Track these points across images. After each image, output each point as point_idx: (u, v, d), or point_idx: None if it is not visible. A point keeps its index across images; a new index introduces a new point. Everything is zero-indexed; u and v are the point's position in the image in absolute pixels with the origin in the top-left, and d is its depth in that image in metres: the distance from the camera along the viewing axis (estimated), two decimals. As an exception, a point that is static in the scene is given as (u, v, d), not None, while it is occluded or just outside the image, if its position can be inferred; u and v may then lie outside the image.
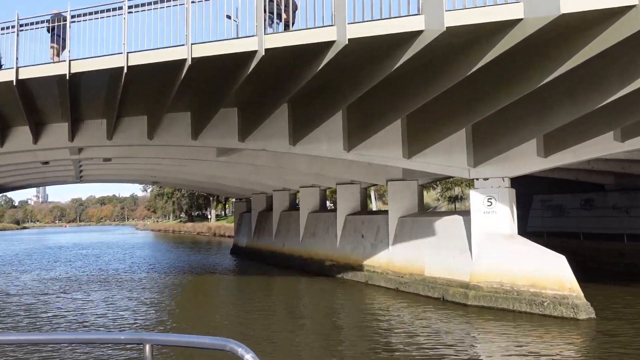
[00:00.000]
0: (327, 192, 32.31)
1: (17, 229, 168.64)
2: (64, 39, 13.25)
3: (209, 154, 21.07)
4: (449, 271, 15.86)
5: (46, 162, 26.96)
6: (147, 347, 2.53)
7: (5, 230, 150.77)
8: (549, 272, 13.74)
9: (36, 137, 18.45)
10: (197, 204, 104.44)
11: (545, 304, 13.43)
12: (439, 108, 13.93)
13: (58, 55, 13.82)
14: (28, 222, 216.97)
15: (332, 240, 23.37)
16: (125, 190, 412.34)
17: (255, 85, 14.07)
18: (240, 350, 2.35)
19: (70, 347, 10.90)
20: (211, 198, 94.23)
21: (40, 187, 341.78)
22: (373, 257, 20.11)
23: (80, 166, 29.25)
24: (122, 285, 22.85)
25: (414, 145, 15.40)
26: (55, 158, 23.84)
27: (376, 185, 29.86)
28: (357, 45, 10.47)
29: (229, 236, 65.07)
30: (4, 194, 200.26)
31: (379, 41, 10.47)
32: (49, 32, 13.73)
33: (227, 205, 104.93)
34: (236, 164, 24.70)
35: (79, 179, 36.75)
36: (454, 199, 42.25)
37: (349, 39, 10.18)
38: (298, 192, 29.68)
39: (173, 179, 35.55)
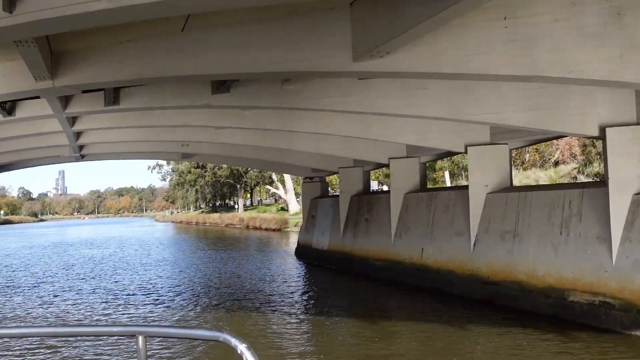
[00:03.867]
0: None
1: (34, 221, 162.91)
2: None
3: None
4: None
5: (8, 110, 15.61)
6: (140, 339, 2.48)
7: (21, 222, 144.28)
8: None
9: None
10: (221, 192, 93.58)
11: None
12: None
13: None
14: (47, 214, 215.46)
15: (592, 248, 11.02)
16: (143, 180, 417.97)
17: None
18: (234, 340, 2.33)
19: (62, 340, 10.43)
20: (238, 186, 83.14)
21: (59, 180, 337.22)
22: None
23: (74, 123, 18.01)
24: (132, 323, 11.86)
25: None
26: (11, 91, 12.37)
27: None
28: None
29: (265, 229, 55.28)
30: (22, 186, 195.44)
31: None
32: None
33: (253, 195, 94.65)
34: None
35: (79, 152, 25.71)
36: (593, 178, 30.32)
37: None
38: (440, 159, 17.53)
39: (213, 147, 23.30)
